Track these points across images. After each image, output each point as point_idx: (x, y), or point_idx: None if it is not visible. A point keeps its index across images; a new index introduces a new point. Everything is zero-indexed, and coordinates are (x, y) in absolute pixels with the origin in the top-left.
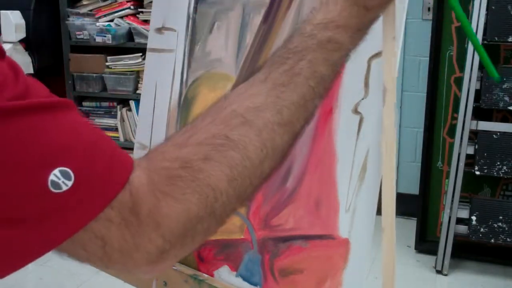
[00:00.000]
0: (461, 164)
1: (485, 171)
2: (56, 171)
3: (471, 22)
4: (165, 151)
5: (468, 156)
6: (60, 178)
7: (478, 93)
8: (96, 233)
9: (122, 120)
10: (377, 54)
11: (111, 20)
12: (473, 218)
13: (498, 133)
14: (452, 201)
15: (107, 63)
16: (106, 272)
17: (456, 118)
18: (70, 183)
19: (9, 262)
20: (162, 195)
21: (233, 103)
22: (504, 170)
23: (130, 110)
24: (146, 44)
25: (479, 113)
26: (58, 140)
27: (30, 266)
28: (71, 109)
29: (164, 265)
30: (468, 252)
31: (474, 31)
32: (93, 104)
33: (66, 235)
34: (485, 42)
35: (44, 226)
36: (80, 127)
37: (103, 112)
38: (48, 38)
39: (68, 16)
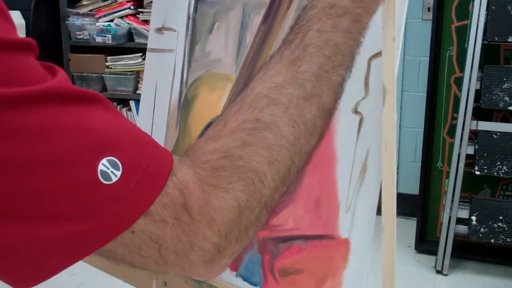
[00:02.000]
0: (461, 164)
1: (485, 171)
2: (105, 161)
3: (471, 22)
4: (203, 146)
5: (468, 156)
6: (109, 168)
7: (478, 93)
8: (151, 236)
9: None
10: (377, 54)
11: (111, 20)
12: (473, 218)
13: (498, 133)
14: (452, 201)
15: (107, 63)
16: (105, 272)
17: (456, 118)
18: (119, 174)
19: (58, 260)
20: (210, 189)
21: (255, 87)
22: (504, 170)
23: (130, 110)
24: (146, 44)
25: (479, 113)
26: (104, 129)
27: None
28: (109, 104)
29: (221, 265)
30: (468, 252)
31: (474, 31)
32: None
33: (122, 227)
34: (485, 42)
35: (98, 220)
36: (121, 119)
37: None
38: (48, 38)
39: (68, 16)
